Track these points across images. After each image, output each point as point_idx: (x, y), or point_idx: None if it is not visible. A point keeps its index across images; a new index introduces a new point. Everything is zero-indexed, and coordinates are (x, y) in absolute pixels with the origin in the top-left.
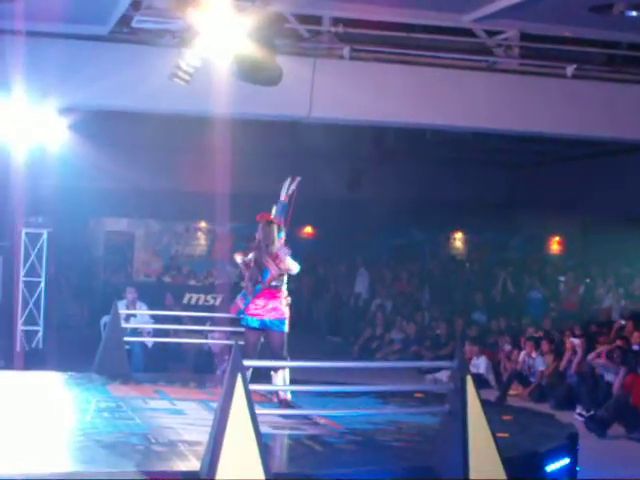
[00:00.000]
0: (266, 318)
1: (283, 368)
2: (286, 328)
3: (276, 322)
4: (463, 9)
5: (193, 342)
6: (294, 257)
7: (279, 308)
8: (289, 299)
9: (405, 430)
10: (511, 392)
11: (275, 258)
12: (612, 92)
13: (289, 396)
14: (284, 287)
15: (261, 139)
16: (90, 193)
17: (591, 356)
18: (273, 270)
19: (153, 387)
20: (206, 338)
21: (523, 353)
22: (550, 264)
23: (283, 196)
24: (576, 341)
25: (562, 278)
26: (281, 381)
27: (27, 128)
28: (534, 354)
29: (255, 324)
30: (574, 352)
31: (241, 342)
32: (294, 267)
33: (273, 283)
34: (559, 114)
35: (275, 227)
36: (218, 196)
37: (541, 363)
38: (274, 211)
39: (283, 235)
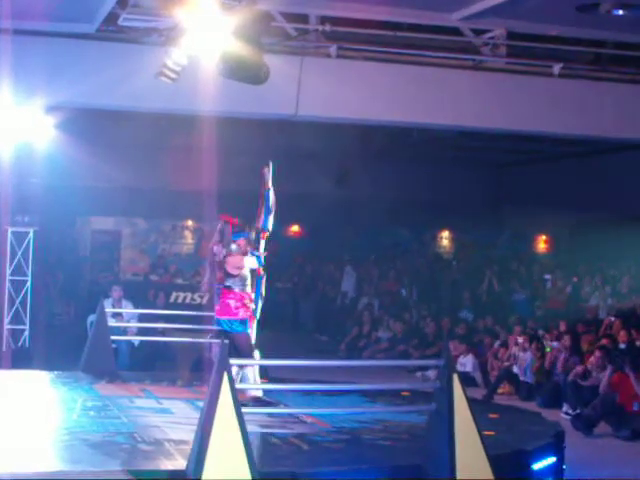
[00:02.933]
0: (220, 317)
1: (252, 366)
2: (247, 329)
3: (227, 322)
4: (450, 8)
5: (179, 341)
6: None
7: (230, 308)
8: (247, 300)
9: (392, 428)
10: (498, 390)
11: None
12: (599, 91)
13: (260, 393)
14: (243, 288)
15: (248, 137)
16: (77, 192)
17: (580, 369)
18: (217, 271)
19: (139, 386)
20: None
21: (516, 348)
22: (537, 263)
23: (267, 184)
24: (555, 344)
25: (548, 277)
26: (251, 379)
27: (13, 127)
28: (527, 346)
29: (215, 323)
30: (559, 351)
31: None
32: (248, 264)
33: (226, 283)
34: (546, 113)
35: (229, 228)
36: (205, 194)
37: (530, 360)
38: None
39: (251, 235)
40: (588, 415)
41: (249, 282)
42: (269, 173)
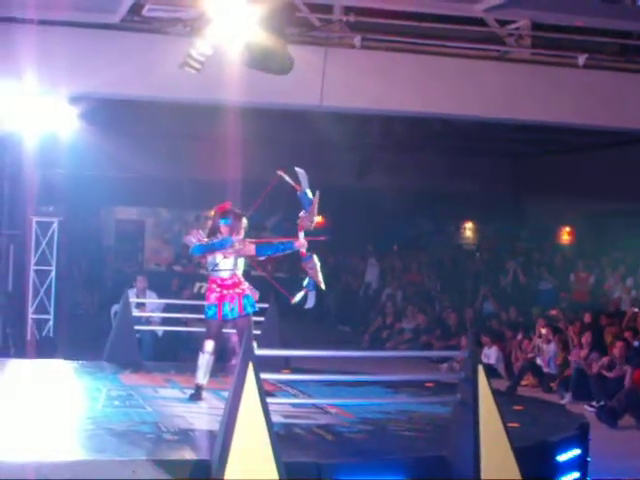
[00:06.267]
0: None
1: (203, 353)
2: (209, 312)
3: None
4: None
5: (202, 331)
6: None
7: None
8: (214, 284)
9: (416, 419)
10: (522, 382)
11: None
12: (624, 82)
13: (203, 381)
14: (213, 273)
15: (271, 128)
16: (101, 182)
17: (605, 360)
18: None
19: (164, 376)
20: None
21: (539, 340)
22: (560, 254)
23: (298, 187)
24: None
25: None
26: (200, 366)
27: (38, 117)
28: (551, 338)
29: None
30: (580, 346)
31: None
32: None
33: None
34: (570, 104)
35: (216, 216)
36: (228, 184)
37: (553, 351)
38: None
39: (230, 222)
40: (612, 407)
41: (225, 266)
42: (304, 177)
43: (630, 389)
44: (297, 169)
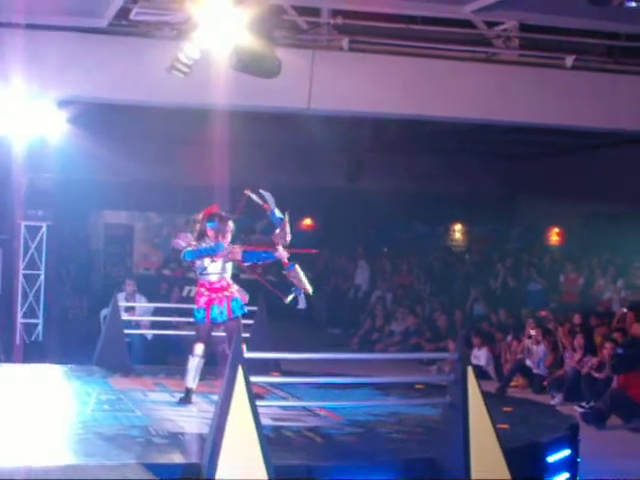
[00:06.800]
0: None
1: (192, 356)
2: (198, 316)
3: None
4: (462, 0)
5: (192, 334)
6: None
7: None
8: (203, 288)
9: (406, 421)
10: (511, 383)
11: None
12: (612, 83)
13: (192, 385)
14: (201, 277)
15: (261, 131)
16: (89, 186)
17: (595, 361)
18: None
19: (153, 379)
20: None
21: (528, 341)
22: (550, 255)
23: (265, 206)
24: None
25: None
26: (189, 369)
27: (26, 121)
28: (540, 339)
29: None
30: (574, 350)
31: (246, 334)
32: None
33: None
34: (558, 105)
35: (203, 219)
36: (217, 189)
37: (543, 353)
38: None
39: (216, 225)
40: (599, 408)
41: (214, 270)
42: (270, 198)
43: (615, 390)
44: (262, 191)
